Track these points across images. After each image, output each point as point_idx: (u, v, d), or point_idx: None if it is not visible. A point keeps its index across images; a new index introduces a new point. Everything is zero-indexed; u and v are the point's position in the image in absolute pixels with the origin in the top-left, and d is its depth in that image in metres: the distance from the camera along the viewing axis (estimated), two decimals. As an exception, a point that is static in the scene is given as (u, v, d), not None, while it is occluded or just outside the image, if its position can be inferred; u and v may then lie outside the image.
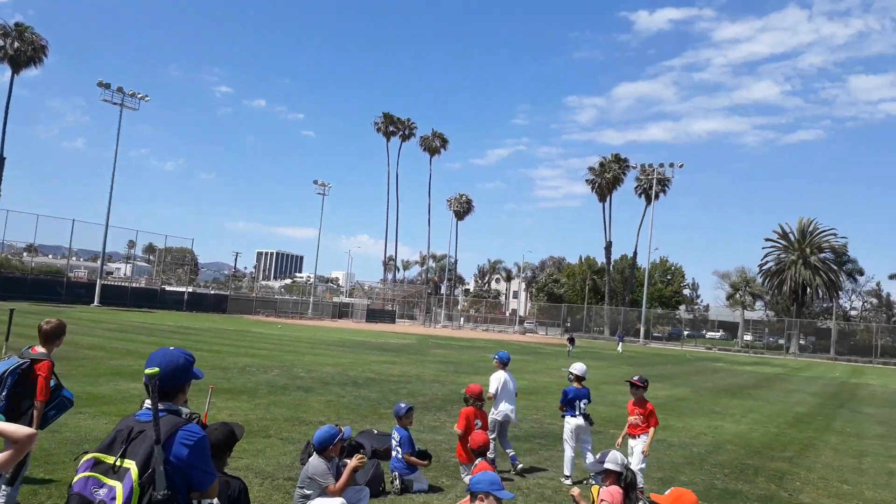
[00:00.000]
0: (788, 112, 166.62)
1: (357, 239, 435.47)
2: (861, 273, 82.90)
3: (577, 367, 9.41)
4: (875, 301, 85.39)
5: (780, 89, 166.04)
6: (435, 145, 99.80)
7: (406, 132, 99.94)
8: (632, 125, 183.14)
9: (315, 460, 5.90)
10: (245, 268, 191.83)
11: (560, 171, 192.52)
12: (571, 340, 25.94)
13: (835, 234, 76.42)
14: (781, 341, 75.65)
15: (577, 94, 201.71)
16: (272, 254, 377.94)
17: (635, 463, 7.84)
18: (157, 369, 2.93)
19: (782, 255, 77.05)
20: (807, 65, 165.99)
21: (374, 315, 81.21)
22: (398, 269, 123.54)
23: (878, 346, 68.79)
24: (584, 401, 9.04)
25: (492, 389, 9.60)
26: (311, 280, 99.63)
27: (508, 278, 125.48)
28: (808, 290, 74.66)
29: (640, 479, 7.82)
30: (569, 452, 8.97)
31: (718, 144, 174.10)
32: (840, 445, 13.55)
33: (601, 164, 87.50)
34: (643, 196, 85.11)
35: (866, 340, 71.97)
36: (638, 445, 8.09)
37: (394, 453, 7.87)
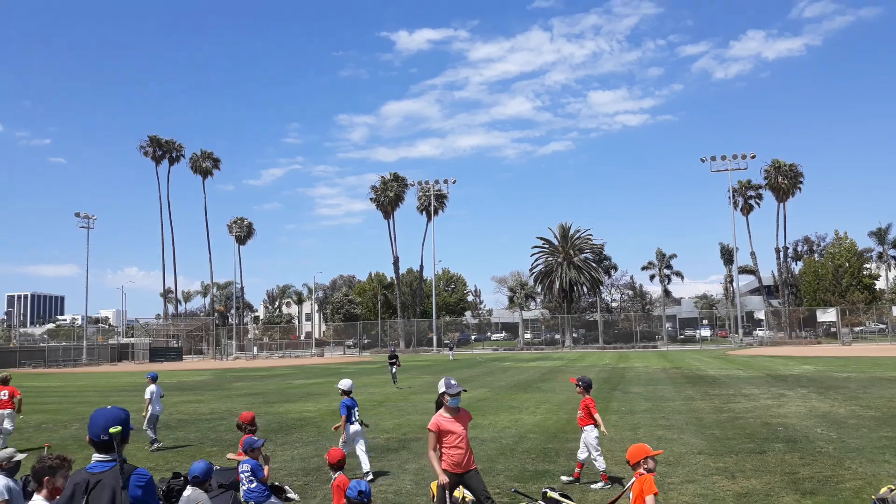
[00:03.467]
0: (541, 125, 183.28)
1: (126, 273, 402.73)
2: (616, 269, 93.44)
3: (345, 383, 11.18)
4: (631, 292, 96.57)
5: (531, 105, 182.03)
6: (206, 166, 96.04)
7: (175, 154, 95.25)
8: (403, 142, 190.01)
9: (195, 492, 6.30)
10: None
11: (339, 189, 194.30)
12: (393, 360, 26.32)
13: (591, 236, 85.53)
14: (557, 336, 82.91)
15: (348, 113, 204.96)
16: (26, 296, 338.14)
17: None
18: (119, 427, 3.42)
19: (549, 258, 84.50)
20: (552, 82, 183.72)
21: (158, 354, 76.33)
22: (179, 302, 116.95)
23: (638, 332, 78.06)
24: (356, 409, 10.82)
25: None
26: (79, 322, 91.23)
27: (300, 301, 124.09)
28: (575, 287, 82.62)
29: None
30: (364, 463, 10.52)
31: (482, 158, 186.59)
32: (619, 422, 15.84)
33: (382, 183, 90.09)
34: (423, 212, 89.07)
35: (627, 328, 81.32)
36: None
37: (245, 484, 8.26)
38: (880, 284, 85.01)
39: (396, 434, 15.01)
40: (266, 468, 8.08)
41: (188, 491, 6.47)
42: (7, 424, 13.64)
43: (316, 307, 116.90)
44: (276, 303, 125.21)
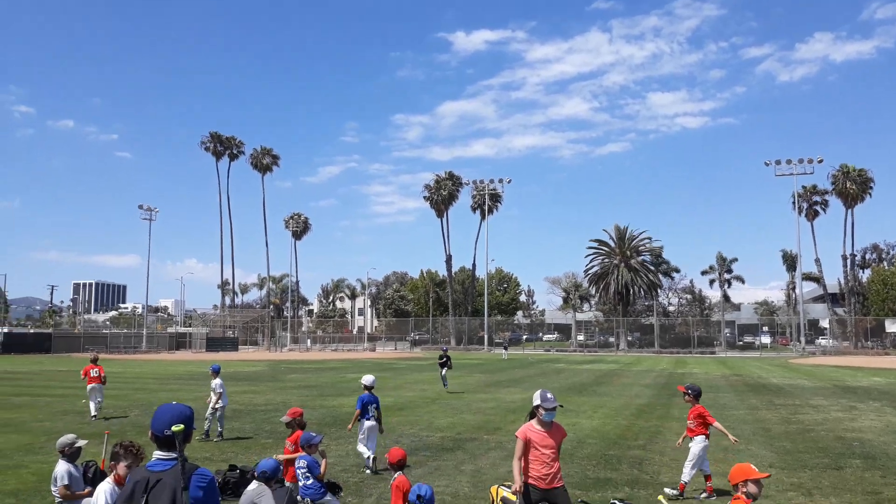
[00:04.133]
0: (598, 126, 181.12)
1: (185, 264, 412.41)
2: (677, 271, 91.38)
3: (367, 379, 11.18)
4: (689, 297, 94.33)
5: (588, 106, 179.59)
6: (265, 163, 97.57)
7: (235, 150, 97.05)
8: (457, 142, 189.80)
9: (261, 487, 6.34)
10: (62, 301, 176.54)
11: (393, 188, 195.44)
12: (444, 361, 24.45)
13: (650, 238, 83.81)
14: (611, 339, 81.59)
15: (404, 113, 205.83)
16: (91, 284, 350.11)
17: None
18: (181, 426, 3.24)
19: (605, 260, 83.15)
20: (611, 83, 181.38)
21: (214, 344, 77.97)
22: (236, 294, 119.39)
23: (695, 337, 76.20)
24: (374, 405, 10.82)
25: None
26: (140, 311, 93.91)
27: (353, 296, 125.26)
28: (631, 290, 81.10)
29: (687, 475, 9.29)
30: (364, 450, 10.73)
31: (537, 158, 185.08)
32: (680, 430, 15.19)
33: (436, 182, 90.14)
34: (478, 211, 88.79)
35: (685, 333, 79.45)
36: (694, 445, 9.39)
37: (302, 481, 8.13)
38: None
39: (451, 433, 14.75)
40: (323, 463, 7.94)
41: (253, 485, 6.52)
42: (99, 396, 16.93)
43: (369, 302, 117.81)
44: (330, 297, 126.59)
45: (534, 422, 6.48)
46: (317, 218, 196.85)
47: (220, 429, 14.06)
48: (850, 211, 78.11)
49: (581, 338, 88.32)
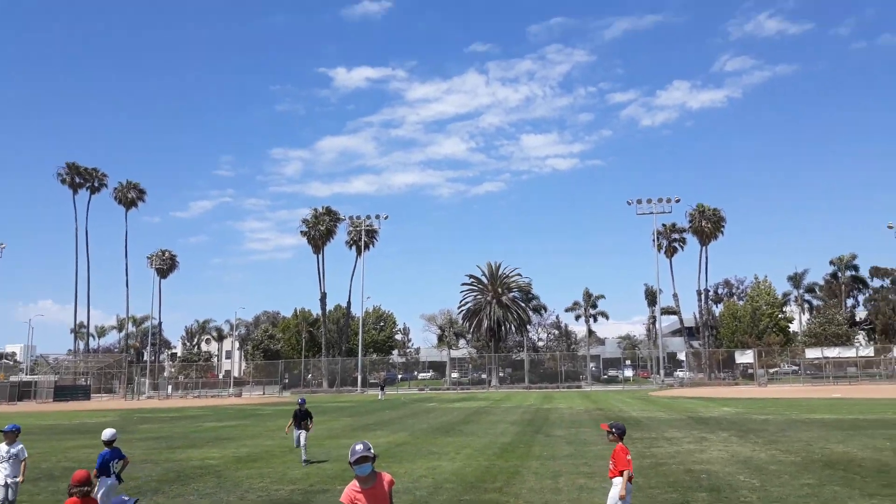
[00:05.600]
0: (475, 166, 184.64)
1: (39, 305, 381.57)
2: (545, 308, 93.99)
3: (107, 433, 10.08)
4: (556, 332, 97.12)
5: (466, 146, 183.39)
6: (131, 197, 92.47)
7: (96, 184, 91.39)
8: (337, 178, 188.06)
9: None
10: None
11: (269, 224, 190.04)
12: (302, 419, 22.40)
13: (520, 275, 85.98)
14: (484, 376, 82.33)
15: (282, 147, 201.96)
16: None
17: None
18: None
19: (479, 296, 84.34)
20: (487, 124, 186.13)
21: (63, 392, 71.71)
22: (92, 337, 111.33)
23: (563, 371, 78.28)
24: (116, 461, 9.94)
25: None
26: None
27: (220, 338, 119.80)
28: (503, 326, 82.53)
29: None
30: None
31: (416, 196, 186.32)
32: (540, 469, 15.15)
33: (314, 217, 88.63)
34: (353, 247, 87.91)
35: (553, 368, 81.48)
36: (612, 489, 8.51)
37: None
38: (794, 327, 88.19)
39: (303, 485, 13.87)
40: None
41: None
42: None
43: (237, 344, 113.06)
44: (196, 339, 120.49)
45: (356, 480, 5.80)
46: (186, 255, 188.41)
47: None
48: (704, 248, 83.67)
49: (455, 375, 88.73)
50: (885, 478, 12.61)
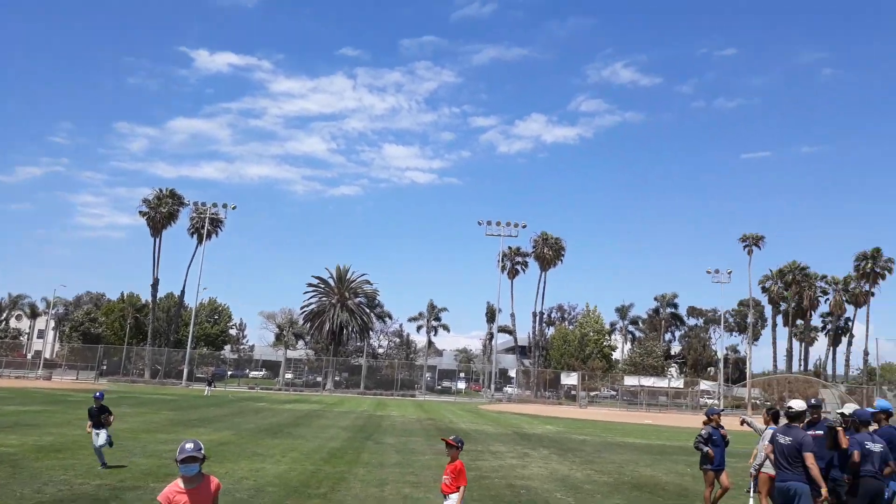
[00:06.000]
0: (333, 167, 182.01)
1: None
2: (390, 316, 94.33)
3: None
4: (398, 340, 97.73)
5: (326, 146, 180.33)
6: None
7: None
8: (186, 161, 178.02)
9: None
10: None
11: (105, 199, 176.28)
12: (97, 415, 21.58)
13: (368, 281, 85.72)
14: (319, 378, 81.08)
15: (129, 121, 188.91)
16: None
17: None
18: None
19: (324, 299, 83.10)
20: (350, 128, 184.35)
21: None
22: None
23: (399, 379, 78.77)
24: None
25: None
26: None
27: (34, 315, 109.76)
28: (345, 330, 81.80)
29: None
30: None
31: (270, 190, 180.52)
32: (366, 476, 15.03)
33: (157, 198, 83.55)
34: (195, 235, 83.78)
35: (389, 375, 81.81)
36: None
37: None
38: (616, 355, 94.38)
39: (112, 480, 12.87)
40: None
41: None
42: None
43: (52, 324, 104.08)
44: (4, 314, 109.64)
45: (179, 480, 5.44)
46: (5, 223, 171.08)
47: None
48: (544, 273, 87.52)
49: (289, 376, 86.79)
50: (684, 501, 13.62)
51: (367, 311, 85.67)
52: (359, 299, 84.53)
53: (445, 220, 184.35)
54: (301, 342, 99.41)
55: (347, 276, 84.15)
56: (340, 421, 31.91)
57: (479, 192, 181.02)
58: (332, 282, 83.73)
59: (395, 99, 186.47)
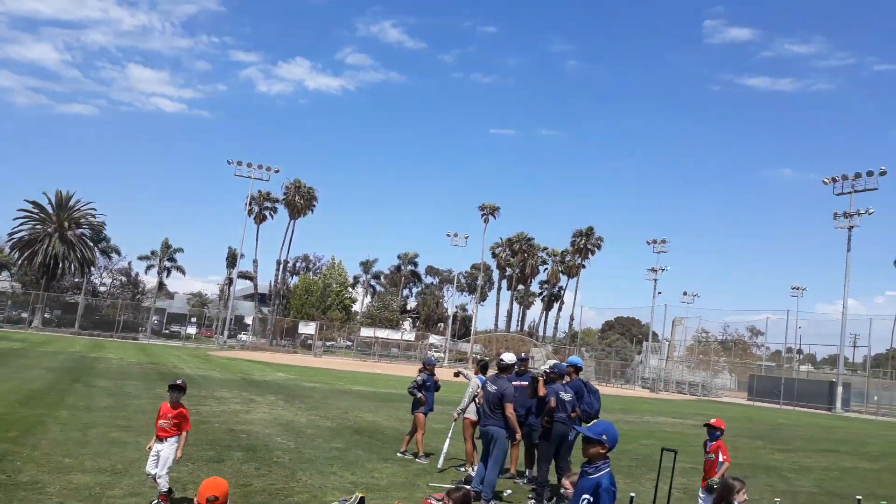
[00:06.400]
0: (66, 82, 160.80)
1: None
2: (118, 253, 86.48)
3: None
4: (125, 279, 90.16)
5: (60, 57, 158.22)
6: None
7: None
8: None
9: None
10: None
11: None
12: None
13: (94, 211, 77.72)
14: (25, 314, 72.39)
15: None
16: None
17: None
18: None
19: (38, 227, 73.93)
20: (91, 41, 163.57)
21: None
22: None
23: (122, 321, 73.04)
24: None
25: None
26: None
27: None
28: (62, 264, 73.66)
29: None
30: None
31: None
32: (69, 420, 13.79)
33: None
34: None
35: (111, 315, 75.47)
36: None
37: None
38: (356, 307, 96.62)
39: None
40: None
41: None
42: None
43: None
44: None
45: None
46: None
47: None
48: (293, 222, 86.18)
49: (-13, 310, 76.33)
50: (398, 444, 14.38)
51: (91, 244, 77.83)
52: (81, 231, 76.43)
53: (192, 154, 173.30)
54: (6, 273, 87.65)
55: (70, 204, 75.57)
56: (46, 361, 28.85)
57: (232, 129, 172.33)
58: (50, 209, 74.63)
59: (147, 17, 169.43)
